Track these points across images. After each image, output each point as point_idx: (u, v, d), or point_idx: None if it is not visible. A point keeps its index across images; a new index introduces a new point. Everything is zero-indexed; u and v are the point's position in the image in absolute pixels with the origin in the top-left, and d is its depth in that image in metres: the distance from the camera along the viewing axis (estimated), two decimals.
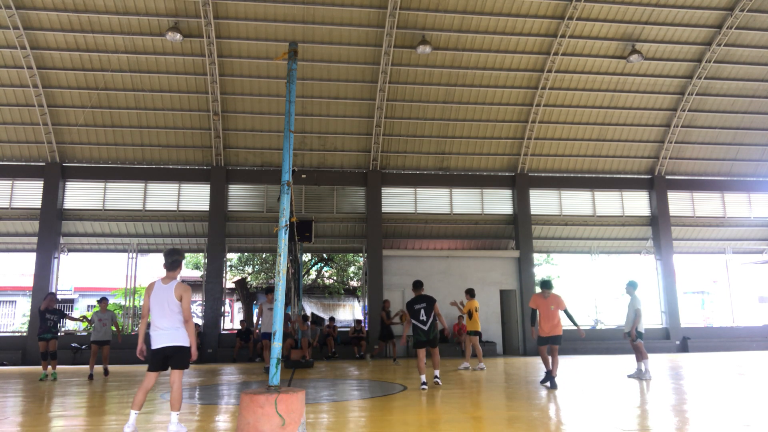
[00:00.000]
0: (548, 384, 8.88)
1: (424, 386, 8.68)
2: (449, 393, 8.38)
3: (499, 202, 19.68)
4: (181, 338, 5.33)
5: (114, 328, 11.84)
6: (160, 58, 17.10)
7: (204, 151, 18.40)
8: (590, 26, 17.64)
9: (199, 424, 6.17)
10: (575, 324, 9.50)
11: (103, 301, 12.04)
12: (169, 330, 5.28)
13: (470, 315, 12.96)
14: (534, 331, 9.13)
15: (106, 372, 11.86)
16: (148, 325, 5.50)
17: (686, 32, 18.21)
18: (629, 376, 10.48)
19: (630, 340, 10.56)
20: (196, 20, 16.40)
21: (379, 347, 15.14)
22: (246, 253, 25.04)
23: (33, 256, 17.46)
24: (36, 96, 17.11)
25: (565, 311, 9.18)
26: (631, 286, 10.84)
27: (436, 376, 9.16)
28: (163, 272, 5.53)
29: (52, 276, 17.43)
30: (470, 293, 12.95)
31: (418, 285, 9.41)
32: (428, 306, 8.95)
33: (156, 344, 5.28)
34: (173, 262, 5.48)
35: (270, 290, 11.80)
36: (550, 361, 8.94)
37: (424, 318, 8.90)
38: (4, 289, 27.70)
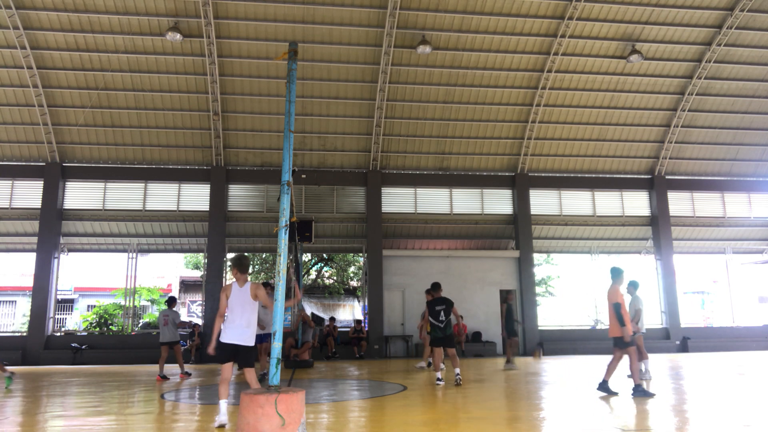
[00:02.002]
0: (610, 392, 8.09)
1: (439, 382, 9.25)
2: (449, 393, 8.38)
3: (499, 202, 19.68)
4: (249, 338, 5.87)
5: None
6: (160, 58, 17.10)
7: (204, 151, 18.40)
8: (590, 26, 17.64)
9: (199, 424, 6.17)
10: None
11: (172, 301, 11.74)
12: (242, 328, 5.82)
13: None
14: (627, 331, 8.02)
15: (185, 371, 11.53)
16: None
17: (686, 32, 18.21)
18: (629, 376, 10.47)
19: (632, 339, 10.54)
20: (196, 20, 16.39)
21: (511, 344, 13.03)
22: (246, 253, 25.03)
23: (33, 256, 17.46)
24: (36, 96, 17.11)
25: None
26: (633, 286, 10.82)
27: (457, 374, 9.24)
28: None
29: (52, 276, 17.43)
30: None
31: (437, 287, 9.98)
32: (447, 308, 9.50)
33: (228, 339, 5.81)
34: (246, 267, 6.04)
35: (266, 285, 10.89)
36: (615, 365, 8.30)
37: (443, 318, 9.46)
38: (4, 289, 27.70)
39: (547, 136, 19.45)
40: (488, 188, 19.64)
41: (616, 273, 8.42)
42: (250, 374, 5.85)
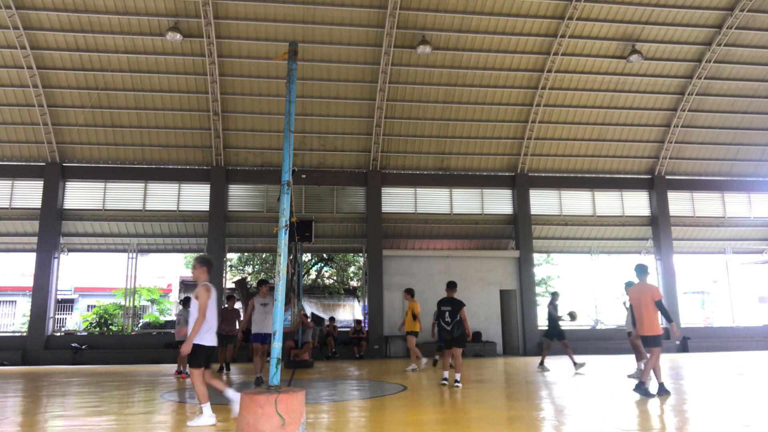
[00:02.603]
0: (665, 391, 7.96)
1: (444, 381, 9.15)
2: (449, 393, 8.38)
3: (499, 202, 19.68)
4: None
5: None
6: (160, 58, 17.09)
7: (204, 151, 18.40)
8: (590, 26, 17.64)
9: None
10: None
11: (187, 301, 12.10)
12: (215, 330, 6.00)
13: (414, 316, 12.46)
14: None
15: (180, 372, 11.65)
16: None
17: (686, 32, 18.21)
18: (629, 376, 10.48)
19: (631, 339, 10.56)
20: (196, 20, 16.40)
21: (546, 346, 12.66)
22: (246, 253, 25.04)
23: (33, 256, 17.46)
24: (36, 96, 17.11)
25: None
26: (630, 286, 10.83)
27: (456, 380, 8.97)
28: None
29: (52, 276, 17.42)
30: (410, 293, 12.70)
31: (450, 286, 9.55)
32: (453, 310, 9.11)
33: (209, 342, 5.91)
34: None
35: (262, 282, 10.53)
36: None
37: (449, 320, 9.12)
38: (4, 289, 27.70)
39: (547, 136, 19.45)
40: (488, 188, 19.64)
41: (644, 270, 8.33)
42: (209, 374, 5.95)
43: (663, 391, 7.85)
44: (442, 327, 9.21)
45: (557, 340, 12.39)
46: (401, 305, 18.45)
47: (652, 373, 8.11)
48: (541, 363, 12.32)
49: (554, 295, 12.84)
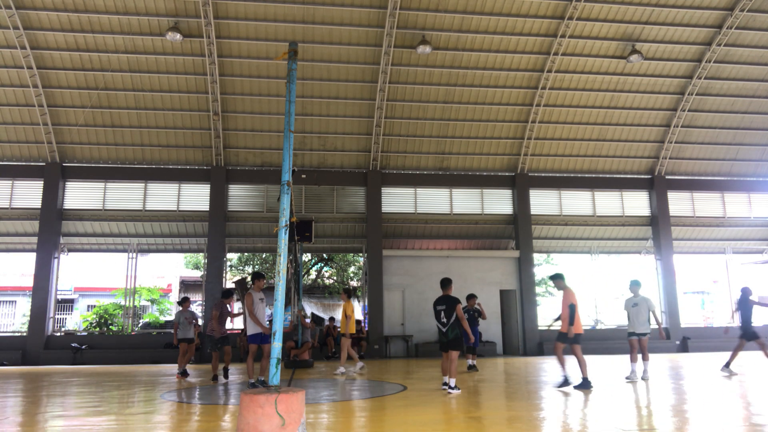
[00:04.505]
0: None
1: (445, 387, 8.66)
2: (449, 393, 8.36)
3: (499, 202, 19.68)
4: None
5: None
6: (160, 58, 17.10)
7: (204, 151, 18.41)
8: (590, 26, 17.64)
9: (199, 424, 6.17)
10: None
11: (185, 301, 12.41)
12: None
13: (347, 317, 12.16)
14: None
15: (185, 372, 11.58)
16: None
17: (686, 32, 18.22)
18: (627, 378, 10.45)
19: (631, 340, 10.52)
20: (196, 20, 16.40)
21: (740, 347, 11.00)
22: (246, 253, 25.04)
23: (33, 256, 17.46)
24: (36, 96, 17.11)
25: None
26: (636, 285, 10.73)
27: (444, 383, 8.61)
28: None
29: (52, 276, 17.43)
30: (347, 293, 12.37)
31: (445, 283, 8.83)
32: (448, 308, 8.50)
33: None
34: None
35: (259, 276, 9.73)
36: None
37: (444, 320, 8.52)
38: (4, 289, 27.69)
39: (547, 136, 19.45)
40: (488, 188, 19.65)
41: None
42: None
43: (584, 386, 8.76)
44: (438, 328, 8.60)
45: (747, 340, 11.22)
46: (401, 305, 18.48)
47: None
48: (727, 365, 10.98)
49: (748, 289, 11.13)
